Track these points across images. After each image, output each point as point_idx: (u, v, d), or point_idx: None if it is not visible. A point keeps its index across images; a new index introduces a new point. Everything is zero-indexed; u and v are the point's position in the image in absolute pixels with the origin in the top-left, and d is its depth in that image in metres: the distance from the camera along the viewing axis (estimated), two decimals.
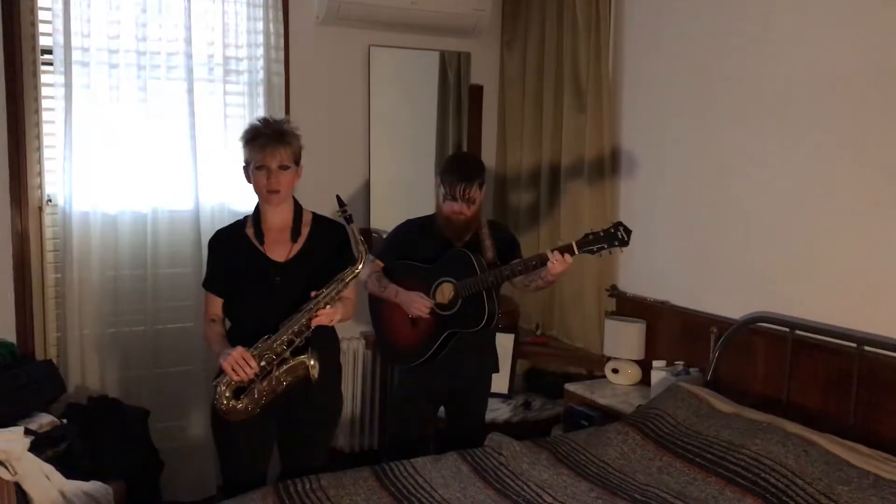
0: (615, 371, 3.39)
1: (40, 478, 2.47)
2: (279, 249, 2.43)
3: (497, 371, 2.99)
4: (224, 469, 2.54)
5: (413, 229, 2.89)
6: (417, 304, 2.72)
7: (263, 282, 2.40)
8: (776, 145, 2.81)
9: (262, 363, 2.30)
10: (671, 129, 3.28)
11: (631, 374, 3.37)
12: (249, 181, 2.44)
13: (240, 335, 2.38)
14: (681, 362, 3.13)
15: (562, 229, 3.70)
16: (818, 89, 2.66)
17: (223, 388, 2.30)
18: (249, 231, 2.46)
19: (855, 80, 2.54)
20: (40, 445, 2.66)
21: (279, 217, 2.45)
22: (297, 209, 2.49)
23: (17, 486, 2.39)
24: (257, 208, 2.48)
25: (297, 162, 2.43)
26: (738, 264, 2.98)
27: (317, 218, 2.53)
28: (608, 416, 3.08)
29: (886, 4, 2.44)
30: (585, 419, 3.18)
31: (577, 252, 2.57)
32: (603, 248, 2.57)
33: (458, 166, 2.76)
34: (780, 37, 2.79)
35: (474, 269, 2.71)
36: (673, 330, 3.27)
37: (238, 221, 2.55)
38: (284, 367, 2.31)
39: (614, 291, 3.54)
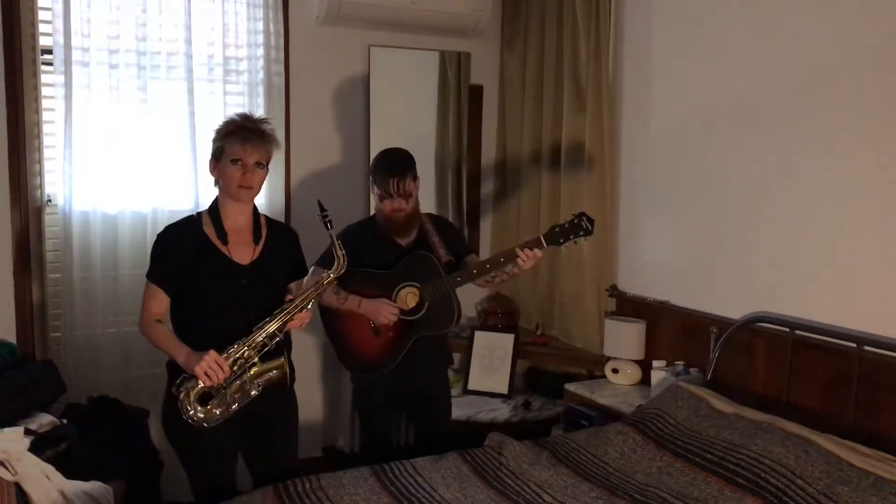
0: (615, 371, 3.38)
1: (40, 478, 2.47)
2: (242, 251, 2.36)
3: (452, 364, 2.97)
4: (191, 478, 2.44)
5: (356, 234, 2.78)
6: (385, 312, 2.66)
7: (228, 285, 2.32)
8: (776, 145, 2.81)
9: (235, 367, 2.24)
10: (671, 130, 3.28)
11: (631, 374, 3.37)
12: (215, 174, 2.36)
13: (197, 339, 2.25)
14: (681, 362, 3.13)
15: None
16: (819, 90, 2.66)
17: (189, 394, 2.21)
18: (209, 230, 2.35)
19: (854, 80, 2.54)
20: (40, 445, 2.66)
21: (242, 217, 2.39)
22: (255, 211, 2.44)
23: (17, 486, 2.39)
24: (216, 206, 2.39)
25: (268, 163, 2.38)
26: (738, 264, 2.98)
27: (270, 221, 2.50)
28: (608, 416, 3.08)
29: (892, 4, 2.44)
30: (585, 419, 3.17)
31: (545, 246, 2.62)
32: (569, 240, 2.63)
33: (387, 162, 2.71)
34: (779, 37, 2.79)
35: (437, 270, 2.70)
36: (673, 330, 3.27)
37: (189, 218, 2.43)
38: (254, 371, 2.27)
39: (614, 291, 3.54)
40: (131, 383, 3.38)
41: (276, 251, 2.43)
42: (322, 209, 2.35)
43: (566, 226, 2.64)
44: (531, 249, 2.61)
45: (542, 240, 2.62)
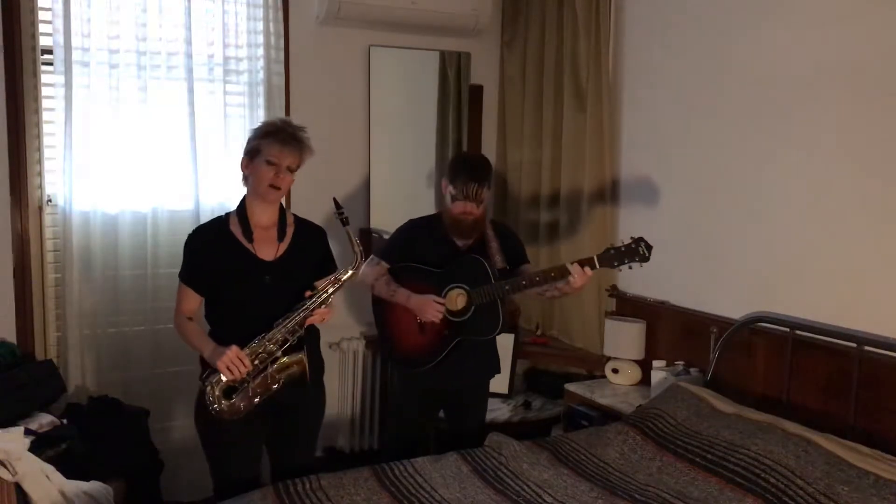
0: (615, 371, 3.38)
1: (40, 478, 2.47)
2: (267, 248, 2.41)
3: (499, 371, 2.99)
4: (214, 470, 2.48)
5: (417, 230, 2.85)
6: (431, 310, 2.69)
7: (253, 281, 2.37)
8: (777, 146, 2.81)
9: (256, 362, 2.30)
10: (671, 130, 3.28)
11: (631, 374, 3.37)
12: (246, 171, 2.41)
13: (226, 335, 2.33)
14: (681, 362, 3.13)
15: (561, 231, 3.71)
16: (819, 90, 2.66)
17: (214, 388, 2.28)
18: (235, 228, 2.41)
19: (855, 81, 2.54)
20: (40, 445, 2.66)
21: (267, 215, 2.43)
22: (281, 209, 2.49)
23: (17, 486, 2.39)
24: (243, 205, 2.44)
25: (297, 170, 2.43)
26: (738, 264, 2.98)
27: (298, 219, 2.53)
28: (608, 416, 3.08)
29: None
30: (585, 419, 3.17)
31: (597, 266, 2.58)
32: (624, 263, 2.58)
33: (469, 166, 2.74)
34: (781, 38, 2.79)
35: (488, 276, 2.69)
36: (673, 330, 3.27)
37: (218, 219, 2.49)
38: (277, 365, 2.31)
39: (614, 291, 3.54)
40: (131, 383, 3.39)
41: (302, 248, 2.46)
42: (338, 206, 2.39)
43: (623, 249, 2.58)
44: (582, 267, 2.57)
45: (595, 260, 2.59)
